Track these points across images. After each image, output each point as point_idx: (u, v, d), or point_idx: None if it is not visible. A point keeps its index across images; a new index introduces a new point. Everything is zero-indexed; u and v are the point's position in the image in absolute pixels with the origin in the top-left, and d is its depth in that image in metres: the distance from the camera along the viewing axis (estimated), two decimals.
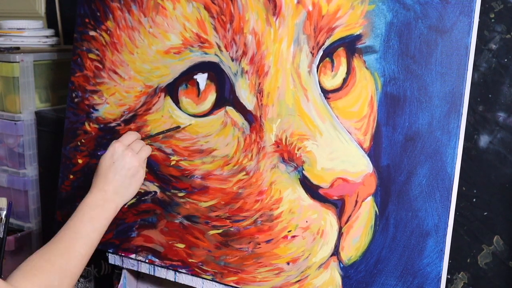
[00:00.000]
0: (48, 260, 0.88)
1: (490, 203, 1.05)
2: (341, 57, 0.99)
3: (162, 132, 1.11)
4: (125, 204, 1.05)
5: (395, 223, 0.96)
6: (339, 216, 0.99)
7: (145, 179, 1.15)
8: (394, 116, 0.96)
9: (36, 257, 0.88)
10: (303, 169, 1.01)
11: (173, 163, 1.13)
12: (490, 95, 1.03)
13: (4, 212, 1.22)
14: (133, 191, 1.03)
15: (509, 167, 1.02)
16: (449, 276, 1.08)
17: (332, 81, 1.00)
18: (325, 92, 1.00)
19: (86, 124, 1.22)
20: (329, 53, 1.00)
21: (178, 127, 1.11)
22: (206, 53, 1.09)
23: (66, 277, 0.88)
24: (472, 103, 1.03)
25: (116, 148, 1.02)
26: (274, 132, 1.04)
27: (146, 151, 1.07)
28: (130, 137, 1.06)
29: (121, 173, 1.01)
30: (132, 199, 1.16)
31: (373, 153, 0.97)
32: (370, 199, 0.97)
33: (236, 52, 1.06)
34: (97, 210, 0.97)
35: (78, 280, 1.21)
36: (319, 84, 1.01)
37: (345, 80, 0.99)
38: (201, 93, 1.11)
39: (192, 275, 1.12)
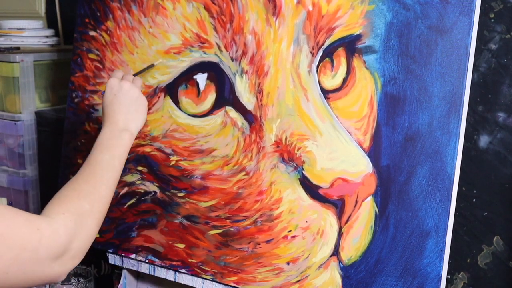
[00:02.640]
0: (73, 189, 0.87)
1: (490, 204, 1.05)
2: (341, 57, 0.99)
3: (139, 72, 1.13)
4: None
5: (395, 223, 0.96)
6: (339, 216, 0.99)
7: (144, 179, 1.15)
8: (394, 116, 0.96)
9: (62, 190, 0.87)
10: (303, 169, 1.01)
11: (173, 163, 1.13)
12: (490, 95, 1.03)
13: None
14: (142, 115, 1.04)
15: (509, 167, 1.02)
16: (449, 276, 1.08)
17: (332, 81, 1.00)
18: (325, 92, 1.00)
19: (86, 124, 1.23)
20: (329, 53, 1.00)
21: (152, 65, 1.13)
22: (206, 53, 1.09)
23: (96, 201, 0.87)
24: (472, 103, 1.03)
25: (112, 82, 1.03)
26: (274, 132, 1.03)
27: (139, 80, 1.08)
28: (119, 72, 1.07)
29: (126, 102, 1.02)
30: (132, 199, 1.17)
31: (373, 153, 0.97)
32: (370, 199, 0.97)
33: (236, 52, 1.06)
34: (113, 140, 0.97)
35: (78, 280, 1.21)
36: (319, 84, 1.01)
37: (345, 80, 0.99)
38: (201, 93, 1.11)
39: (192, 275, 1.12)
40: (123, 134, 0.99)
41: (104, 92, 1.04)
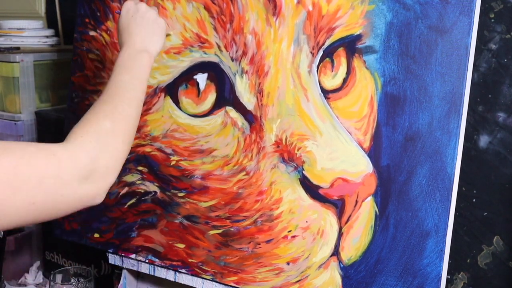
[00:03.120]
0: (93, 112, 0.84)
1: (490, 204, 1.05)
2: (341, 57, 0.99)
3: None
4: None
5: (395, 223, 0.96)
6: (339, 216, 0.99)
7: (145, 179, 1.15)
8: (394, 116, 0.96)
9: (83, 116, 0.84)
10: (303, 169, 1.01)
11: (173, 163, 1.13)
12: (490, 95, 1.03)
13: None
14: (161, 37, 1.01)
15: (509, 167, 1.02)
16: (449, 276, 1.08)
17: (332, 81, 1.00)
18: (325, 92, 1.00)
19: None
20: (329, 53, 1.00)
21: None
22: (206, 53, 1.09)
23: (117, 120, 0.83)
24: (472, 103, 1.03)
25: (129, 5, 1.00)
26: (274, 132, 1.04)
27: (154, 7, 1.05)
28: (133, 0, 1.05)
29: (142, 23, 0.99)
30: (132, 199, 1.17)
31: (373, 153, 0.97)
32: (370, 199, 0.97)
33: (236, 52, 1.06)
34: (131, 62, 0.94)
35: (78, 280, 1.21)
36: (319, 84, 1.01)
37: (345, 80, 0.99)
38: (201, 93, 1.11)
39: (192, 275, 1.12)
40: (142, 55, 0.95)
41: (120, 12, 1.01)
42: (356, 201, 0.98)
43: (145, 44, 0.97)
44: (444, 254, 0.93)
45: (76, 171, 0.74)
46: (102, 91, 0.88)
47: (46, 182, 0.71)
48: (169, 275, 1.16)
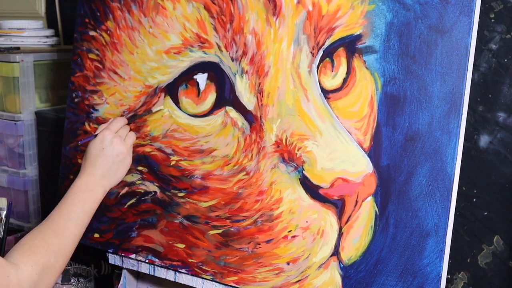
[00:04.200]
0: (43, 239, 0.92)
1: (490, 203, 1.05)
2: (341, 57, 0.99)
3: (137, 116, 1.15)
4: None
5: (395, 223, 0.96)
6: (339, 216, 0.99)
7: (145, 179, 1.15)
8: (394, 116, 0.96)
9: (32, 237, 0.93)
10: (303, 169, 1.01)
11: (173, 163, 1.13)
12: (490, 95, 1.03)
13: (4, 212, 1.22)
14: (120, 176, 1.09)
15: (509, 167, 1.02)
16: (449, 276, 1.08)
17: (332, 81, 1.00)
18: (325, 92, 1.00)
19: (86, 124, 1.23)
20: (329, 53, 1.00)
21: (150, 111, 1.15)
22: (206, 53, 1.09)
23: (61, 256, 0.93)
24: (472, 103, 1.03)
25: (106, 135, 1.06)
26: (274, 132, 1.04)
27: (132, 137, 1.12)
28: (119, 123, 1.11)
29: (110, 160, 1.06)
30: (132, 199, 1.17)
31: (373, 153, 0.97)
32: (370, 199, 0.97)
33: (236, 52, 1.06)
34: (86, 194, 1.02)
35: (78, 280, 1.21)
36: (319, 84, 1.01)
37: (345, 80, 0.99)
38: (201, 93, 1.11)
39: (192, 275, 1.12)
40: (97, 190, 1.03)
41: (88, 139, 1.08)
42: (356, 201, 0.98)
43: (104, 179, 1.05)
44: (444, 254, 0.93)
45: None
46: (54, 212, 0.98)
47: None
48: (169, 275, 1.16)
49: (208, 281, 1.11)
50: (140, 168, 1.16)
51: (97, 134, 1.08)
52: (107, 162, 1.05)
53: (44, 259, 0.90)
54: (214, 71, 1.09)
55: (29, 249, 0.90)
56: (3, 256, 1.19)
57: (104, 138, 1.06)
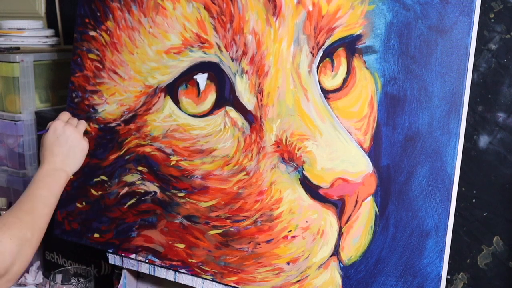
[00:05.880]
0: (16, 217, 0.97)
1: (490, 204, 1.05)
2: (341, 57, 0.99)
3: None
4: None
5: (395, 223, 0.96)
6: (339, 216, 0.99)
7: (145, 179, 1.15)
8: (394, 116, 0.96)
9: (4, 217, 0.97)
10: (303, 169, 1.01)
11: (173, 163, 1.13)
12: (489, 95, 1.03)
13: (4, 212, 1.22)
14: (79, 160, 1.14)
15: (509, 167, 1.03)
16: (449, 277, 1.08)
17: (332, 81, 1.00)
18: (325, 92, 1.01)
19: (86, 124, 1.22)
20: (329, 53, 1.00)
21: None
22: (206, 53, 1.09)
23: (36, 232, 0.97)
24: (472, 103, 1.03)
25: (57, 125, 1.13)
26: (274, 132, 1.04)
27: (83, 124, 1.18)
28: (66, 115, 1.18)
29: (66, 146, 1.11)
30: (132, 199, 1.17)
31: (373, 153, 0.97)
32: (370, 199, 0.98)
33: (236, 52, 1.06)
34: (50, 178, 1.07)
35: (78, 280, 1.21)
36: (319, 84, 1.01)
37: (345, 80, 0.99)
38: (201, 93, 1.11)
39: (192, 275, 1.12)
40: (60, 174, 1.09)
41: (44, 131, 1.13)
42: (356, 201, 0.98)
43: (64, 164, 1.10)
44: (444, 254, 0.93)
45: None
46: (22, 197, 1.02)
47: None
48: (169, 275, 1.16)
49: (208, 281, 1.11)
50: (140, 168, 1.16)
51: (48, 128, 1.13)
52: (63, 148, 1.11)
53: (20, 233, 0.93)
54: (214, 71, 1.09)
55: (5, 226, 0.93)
56: None
57: (56, 127, 1.12)
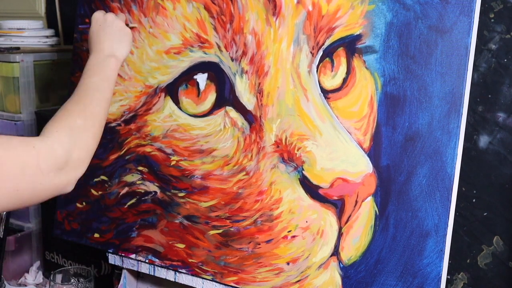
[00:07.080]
0: (65, 109, 0.93)
1: (490, 204, 1.05)
2: (341, 57, 0.99)
3: None
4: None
5: (395, 223, 0.96)
6: (339, 216, 0.99)
7: (145, 179, 1.15)
8: (394, 116, 0.96)
9: (56, 113, 0.93)
10: (303, 169, 1.01)
11: (173, 163, 1.13)
12: (489, 95, 1.03)
13: (4, 212, 1.22)
14: (127, 45, 1.09)
15: (509, 167, 1.03)
16: (449, 277, 1.08)
17: (332, 81, 1.00)
18: (325, 92, 1.01)
19: None
20: (329, 53, 1.00)
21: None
22: (206, 53, 1.09)
23: (88, 117, 0.92)
24: (472, 103, 1.03)
25: (97, 15, 1.10)
26: (274, 132, 1.04)
27: (122, 15, 1.15)
28: (101, 11, 1.13)
29: (110, 31, 1.08)
30: (132, 199, 1.17)
31: (373, 153, 0.97)
32: (370, 199, 0.97)
33: (236, 52, 1.06)
34: (100, 65, 1.03)
35: (78, 280, 1.21)
36: (319, 84, 1.01)
37: (345, 80, 0.99)
38: (201, 93, 1.11)
39: (192, 275, 1.12)
40: (110, 59, 1.04)
41: (85, 26, 1.10)
42: (356, 201, 0.98)
43: (113, 50, 1.06)
44: (444, 254, 0.93)
45: (52, 162, 0.82)
46: (74, 91, 0.97)
47: (27, 172, 0.78)
48: (169, 275, 1.16)
49: (208, 281, 1.11)
50: (140, 168, 1.16)
51: (90, 22, 1.11)
52: (108, 34, 1.07)
53: (69, 122, 0.89)
54: (214, 71, 1.09)
55: (52, 122, 0.90)
56: (3, 257, 1.19)
57: (97, 18, 1.09)
